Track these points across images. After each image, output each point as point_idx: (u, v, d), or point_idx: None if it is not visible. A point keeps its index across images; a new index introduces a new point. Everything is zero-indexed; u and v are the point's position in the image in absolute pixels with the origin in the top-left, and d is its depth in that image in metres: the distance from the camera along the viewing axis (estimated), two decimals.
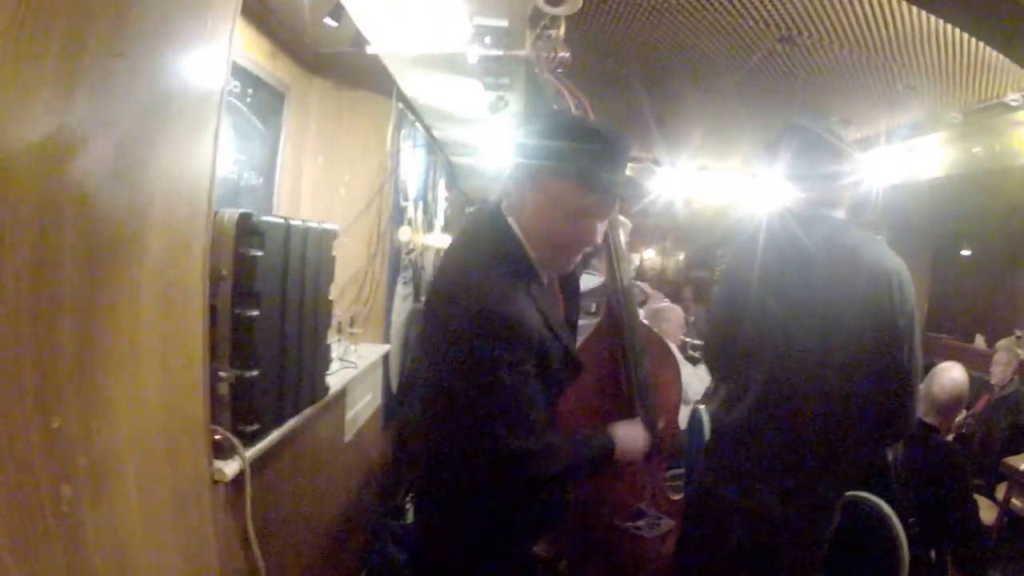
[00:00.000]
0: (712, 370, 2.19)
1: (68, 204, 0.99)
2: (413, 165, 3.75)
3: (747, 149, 5.82)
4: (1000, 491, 4.02)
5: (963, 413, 4.64)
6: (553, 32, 2.14)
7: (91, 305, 1.08)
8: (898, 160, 4.87)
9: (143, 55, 1.15)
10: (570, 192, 1.39)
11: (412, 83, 2.91)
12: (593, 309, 2.16)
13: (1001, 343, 5.75)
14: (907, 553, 2.04)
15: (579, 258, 1.55)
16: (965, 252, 9.36)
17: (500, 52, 2.07)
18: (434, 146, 4.50)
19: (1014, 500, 3.86)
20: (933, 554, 2.48)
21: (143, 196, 1.19)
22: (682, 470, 3.04)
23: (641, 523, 2.18)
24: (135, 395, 1.20)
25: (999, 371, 4.87)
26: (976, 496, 3.93)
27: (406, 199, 3.56)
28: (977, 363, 5.25)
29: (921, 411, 2.54)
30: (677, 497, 2.42)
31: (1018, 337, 6.78)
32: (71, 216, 1.00)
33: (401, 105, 3.27)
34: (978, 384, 4.95)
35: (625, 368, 2.09)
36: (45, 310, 0.96)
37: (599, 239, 1.48)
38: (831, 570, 1.93)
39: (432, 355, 1.48)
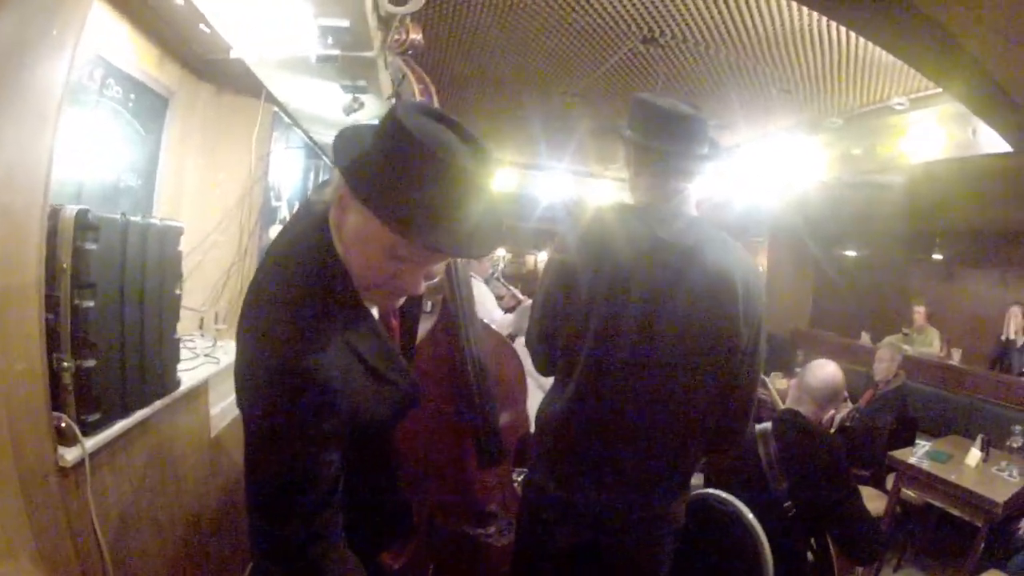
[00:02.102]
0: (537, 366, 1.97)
1: None
2: (289, 167, 3.83)
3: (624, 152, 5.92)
4: (889, 482, 4.28)
5: (848, 406, 4.83)
6: (400, 34, 2.18)
7: None
8: (777, 163, 4.88)
9: None
10: (382, 231, 1.06)
11: (279, 87, 2.99)
12: (428, 308, 2.13)
13: (885, 341, 6.04)
14: (767, 549, 2.03)
15: (399, 302, 1.29)
16: (850, 252, 9.68)
17: (338, 52, 2.16)
18: (315, 150, 4.57)
19: (904, 490, 4.13)
20: (814, 542, 2.50)
21: None
22: None
23: (491, 529, 2.11)
24: None
25: (882, 368, 5.07)
26: (865, 487, 4.20)
27: (279, 199, 3.63)
28: (863, 359, 5.53)
29: (793, 399, 2.63)
30: None
31: (905, 334, 7.24)
32: None
33: (276, 109, 3.35)
34: (864, 380, 5.28)
35: (463, 367, 2.03)
36: None
37: (418, 290, 1.19)
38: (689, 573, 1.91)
39: (236, 377, 1.15)
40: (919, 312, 7.36)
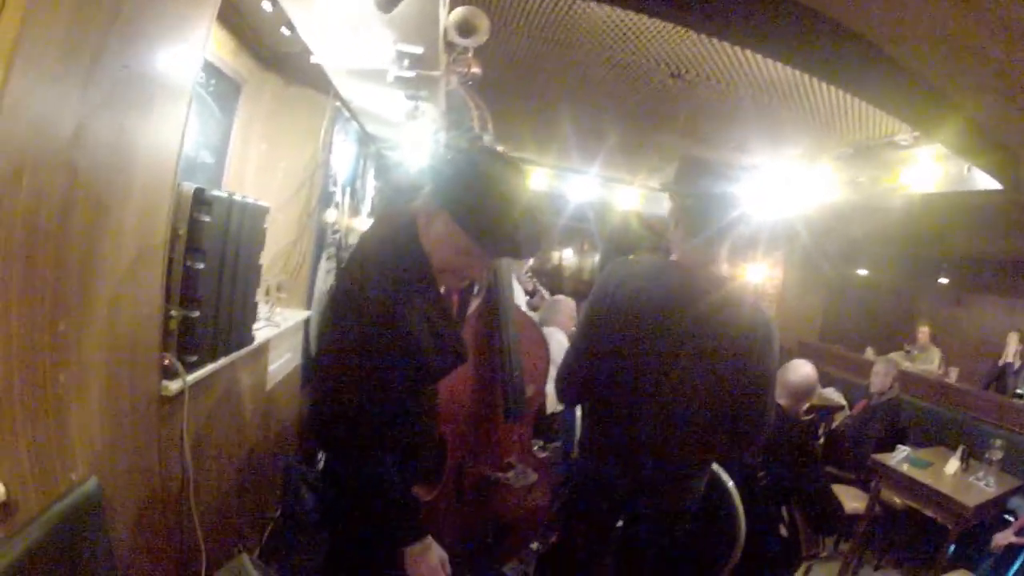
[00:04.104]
0: (569, 391, 2.28)
1: (80, 172, 1.41)
2: (344, 156, 4.20)
3: (648, 165, 6.30)
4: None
5: (844, 413, 5.42)
6: (465, 57, 2.57)
7: (90, 248, 1.50)
8: (789, 184, 5.10)
9: (133, 59, 1.55)
10: (463, 237, 1.52)
11: (347, 88, 3.33)
12: (476, 291, 2.56)
13: (884, 356, 6.21)
14: (741, 509, 2.43)
15: (465, 283, 1.85)
16: (862, 271, 9.79)
17: (413, 73, 2.48)
18: (367, 140, 4.94)
19: (884, 490, 4.44)
20: (786, 515, 2.90)
21: (129, 169, 1.61)
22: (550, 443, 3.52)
23: (510, 474, 2.57)
24: (112, 320, 1.62)
25: (877, 380, 5.35)
26: (849, 487, 4.72)
27: (335, 185, 4.01)
28: (866, 372, 5.77)
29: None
30: (543, 455, 2.88)
31: (907, 351, 7.56)
32: (82, 181, 1.42)
33: (338, 104, 3.70)
34: (861, 391, 5.66)
35: (500, 340, 2.51)
36: (63, 244, 1.39)
37: (483, 278, 1.80)
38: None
39: (322, 325, 1.69)
40: (923, 332, 7.70)
